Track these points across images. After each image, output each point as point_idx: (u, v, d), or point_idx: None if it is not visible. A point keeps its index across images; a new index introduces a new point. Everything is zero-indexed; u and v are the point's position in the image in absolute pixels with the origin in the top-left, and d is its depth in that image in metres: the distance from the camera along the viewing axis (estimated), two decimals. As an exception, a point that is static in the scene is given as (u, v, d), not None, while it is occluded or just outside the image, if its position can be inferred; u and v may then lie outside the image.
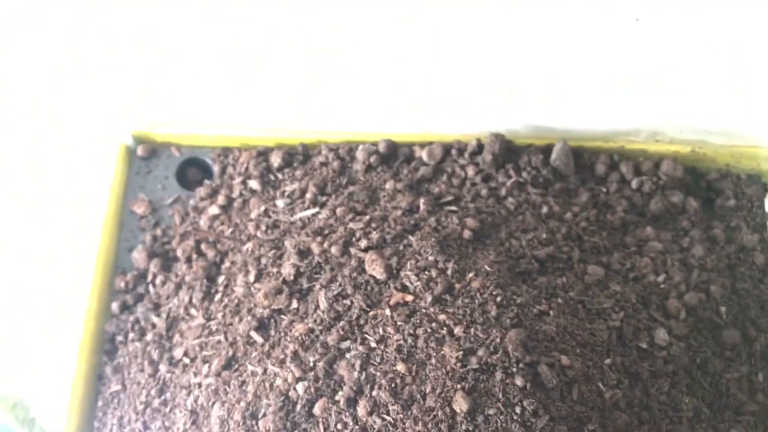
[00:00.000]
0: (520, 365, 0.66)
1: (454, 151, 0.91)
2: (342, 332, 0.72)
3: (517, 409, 0.65)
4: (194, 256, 0.89)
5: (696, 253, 0.84)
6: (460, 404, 0.64)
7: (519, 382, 0.66)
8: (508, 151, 0.90)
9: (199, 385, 0.77)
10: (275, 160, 0.93)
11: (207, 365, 0.78)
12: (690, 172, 0.94)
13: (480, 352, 0.67)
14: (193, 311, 0.84)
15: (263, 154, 0.95)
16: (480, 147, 0.90)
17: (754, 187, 0.94)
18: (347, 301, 0.74)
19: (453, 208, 0.83)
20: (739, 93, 0.79)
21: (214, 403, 0.75)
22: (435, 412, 0.65)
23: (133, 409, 0.82)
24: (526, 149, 0.91)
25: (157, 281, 0.89)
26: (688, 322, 0.78)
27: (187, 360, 0.81)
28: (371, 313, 0.72)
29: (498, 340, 0.68)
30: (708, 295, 0.81)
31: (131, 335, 0.87)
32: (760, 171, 0.94)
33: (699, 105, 0.85)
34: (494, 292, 0.71)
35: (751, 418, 0.78)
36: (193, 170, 0.99)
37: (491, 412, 0.64)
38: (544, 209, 0.84)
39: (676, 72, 0.76)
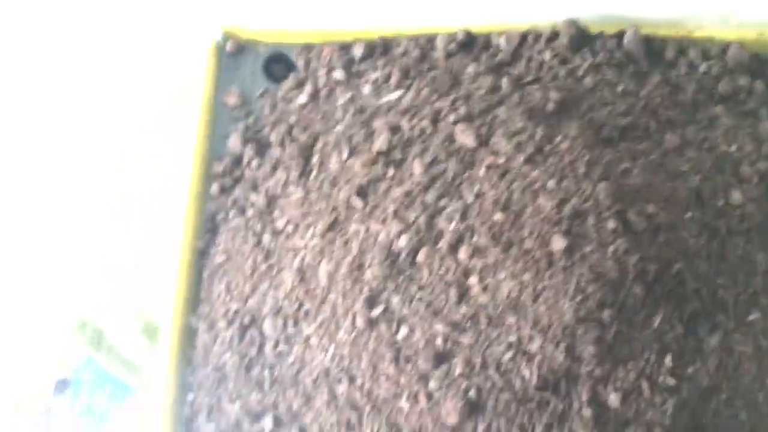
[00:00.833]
0: (611, 211, 0.72)
1: (530, 38, 0.95)
2: (439, 192, 0.78)
3: (611, 248, 0.71)
4: (287, 140, 0.95)
5: (764, 128, 0.89)
6: (558, 243, 0.70)
7: (611, 225, 0.71)
8: (582, 37, 0.94)
9: (305, 247, 0.84)
10: (357, 51, 0.99)
11: (310, 230, 0.84)
12: (755, 59, 0.98)
13: (573, 201, 0.73)
14: (291, 188, 0.90)
15: (345, 47, 1.01)
16: (555, 34, 0.95)
17: (817, 71, 0.98)
18: (441, 166, 0.80)
19: (534, 86, 0.88)
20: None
21: (320, 261, 0.82)
22: (533, 253, 0.71)
23: (241, 274, 0.89)
24: (599, 36, 0.95)
25: (253, 164, 0.96)
26: (760, 187, 0.83)
27: (290, 228, 0.87)
28: (465, 175, 0.78)
29: (589, 191, 0.73)
30: (777, 164, 0.86)
31: (232, 213, 0.94)
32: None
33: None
34: (582, 152, 0.77)
35: (818, 276, 0.83)
36: (278, 66, 1.04)
37: (587, 249, 0.70)
38: (620, 87, 0.88)
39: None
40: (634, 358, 0.72)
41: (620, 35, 0.95)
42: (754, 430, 0.79)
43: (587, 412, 0.72)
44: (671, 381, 0.73)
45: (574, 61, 0.92)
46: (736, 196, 0.81)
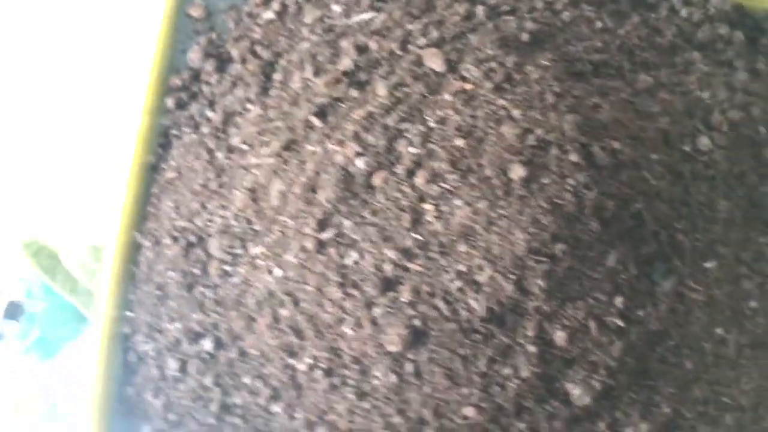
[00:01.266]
0: (575, 144, 0.69)
1: (509, -32, 0.91)
2: (402, 114, 0.75)
3: (570, 181, 0.68)
4: (249, 57, 0.90)
5: (739, 78, 0.87)
6: (517, 172, 0.68)
7: (573, 157, 0.69)
8: (563, -29, 0.90)
9: (258, 165, 0.80)
10: (330, -30, 0.94)
11: (266, 148, 0.81)
12: (737, 9, 0.95)
13: (537, 131, 0.70)
14: (249, 105, 0.87)
15: (318, -35, 0.96)
16: (535, -34, 0.91)
17: (799, 30, 0.96)
18: (406, 90, 0.76)
19: (510, 17, 0.84)
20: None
21: (273, 181, 0.78)
22: (492, 180, 0.69)
23: (190, 191, 0.85)
24: (580, -28, 0.91)
25: (212, 80, 0.92)
26: (729, 136, 0.81)
27: (245, 146, 0.84)
28: (430, 99, 0.75)
29: (555, 122, 0.71)
30: (749, 115, 0.84)
31: (186, 129, 0.90)
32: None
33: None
34: (551, 83, 0.74)
35: (779, 231, 0.82)
36: (246, -20, 0.99)
37: (546, 181, 0.68)
38: (598, 24, 0.85)
39: None
40: (584, 296, 0.70)
41: (601, -28, 0.92)
42: (699, 379, 0.78)
43: (532, 348, 0.71)
44: (620, 322, 0.71)
45: (552, -5, 0.89)
46: (704, 142, 0.79)
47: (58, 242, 1.10)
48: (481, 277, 0.69)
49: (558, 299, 0.70)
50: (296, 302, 0.76)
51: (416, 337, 0.72)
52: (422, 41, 0.80)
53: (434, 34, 0.81)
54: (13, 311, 1.19)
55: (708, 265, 0.76)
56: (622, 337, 0.72)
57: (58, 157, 1.10)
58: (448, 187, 0.70)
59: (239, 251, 0.80)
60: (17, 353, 1.16)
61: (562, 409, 0.73)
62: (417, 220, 0.71)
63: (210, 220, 0.83)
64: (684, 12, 0.92)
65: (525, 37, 0.80)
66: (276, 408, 0.79)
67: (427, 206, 0.71)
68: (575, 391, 0.73)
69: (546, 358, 0.72)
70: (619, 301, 0.71)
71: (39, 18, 1.09)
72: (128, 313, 0.88)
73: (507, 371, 0.72)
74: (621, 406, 0.75)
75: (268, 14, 0.94)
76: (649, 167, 0.73)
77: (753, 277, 0.80)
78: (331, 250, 0.74)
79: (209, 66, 0.93)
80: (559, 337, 0.71)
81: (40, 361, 1.13)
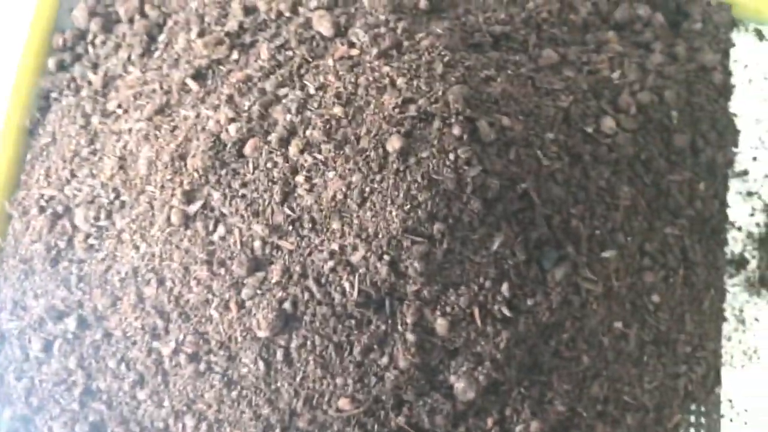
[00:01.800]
0: (459, 117, 0.64)
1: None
2: (281, 79, 0.69)
3: (451, 156, 0.63)
4: (137, 17, 0.84)
5: (654, 60, 0.82)
6: (393, 144, 0.62)
7: (456, 131, 0.64)
8: (473, -62, 0.85)
9: (130, 130, 0.74)
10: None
11: (139, 112, 0.74)
12: (660, -10, 0.91)
13: (420, 102, 0.65)
14: (130, 68, 0.80)
15: None
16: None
17: (722, 14, 0.92)
18: (290, 53, 0.71)
19: (411, -15, 0.79)
20: None
21: (142, 147, 0.72)
22: (368, 153, 0.63)
23: (61, 158, 0.79)
24: (494, -58, 0.86)
25: (97, 41, 0.85)
26: (638, 119, 0.76)
27: (120, 111, 0.78)
28: (313, 64, 0.69)
29: (440, 93, 0.65)
30: (661, 99, 0.79)
31: (66, 92, 0.84)
32: (732, 0, 0.91)
33: None
34: (442, 53, 0.68)
35: (687, 222, 0.78)
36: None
37: (424, 155, 0.63)
38: (505, -4, 0.80)
39: None
40: (466, 282, 0.65)
41: (517, -58, 0.87)
42: (597, 376, 0.73)
43: (411, 336, 0.66)
44: (506, 311, 0.66)
45: (460, -36, 0.83)
46: (609, 124, 0.74)
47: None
48: (355, 258, 0.64)
49: (438, 284, 0.65)
50: (161, 281, 0.70)
51: (286, 321, 0.66)
52: (313, 3, 0.75)
53: (326, -3, 0.75)
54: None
55: (606, 254, 0.72)
56: (509, 327, 0.67)
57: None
58: (321, 158, 0.64)
59: (105, 223, 0.74)
60: None
61: (445, 403, 0.68)
62: (288, 194, 0.65)
63: (78, 189, 0.76)
64: (602, -10, 0.87)
65: (423, 4, 0.75)
66: (141, 395, 0.73)
67: (299, 179, 0.65)
68: (459, 385, 0.67)
69: (426, 348, 0.66)
70: (505, 288, 0.66)
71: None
72: (-7, 290, 0.81)
73: (384, 361, 0.66)
74: (510, 402, 0.70)
75: (161, -27, 0.87)
76: (542, 147, 0.68)
77: (656, 270, 0.76)
78: (198, 224, 0.68)
79: (95, 26, 0.86)
80: (440, 325, 0.66)
81: None
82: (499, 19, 0.77)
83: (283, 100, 0.68)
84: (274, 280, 0.65)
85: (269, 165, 0.66)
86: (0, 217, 0.82)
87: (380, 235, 0.63)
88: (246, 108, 0.68)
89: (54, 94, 0.85)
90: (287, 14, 0.75)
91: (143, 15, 0.85)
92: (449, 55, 0.68)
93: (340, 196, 0.63)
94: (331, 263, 0.64)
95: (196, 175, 0.68)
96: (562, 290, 0.69)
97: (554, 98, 0.73)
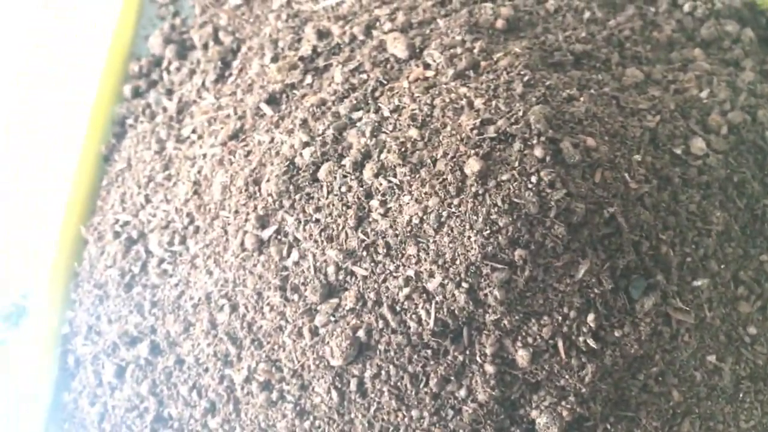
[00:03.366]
0: (542, 138, 0.61)
1: (495, -47, 0.84)
2: (355, 102, 0.68)
3: (533, 179, 0.60)
4: (211, 43, 0.85)
5: (746, 78, 0.78)
6: (472, 167, 0.60)
7: (538, 153, 0.61)
8: (553, -42, 0.83)
9: (204, 155, 0.74)
10: (304, -46, 0.88)
11: (213, 137, 0.74)
12: (748, 6, 0.86)
13: (499, 123, 0.62)
14: (204, 93, 0.81)
15: (292, -51, 0.90)
16: (524, -48, 0.83)
17: (815, 31, 0.87)
18: (364, 76, 0.69)
19: (489, 3, 0.77)
20: None
21: (217, 172, 0.72)
22: (445, 176, 0.61)
23: (136, 183, 0.79)
24: (573, -42, 0.84)
25: (172, 68, 0.86)
26: (729, 140, 0.72)
27: (194, 136, 0.78)
28: (388, 87, 0.68)
29: (520, 113, 0.63)
30: (754, 119, 0.75)
31: (141, 118, 0.84)
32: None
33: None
34: (522, 72, 0.66)
35: (785, 249, 0.73)
36: (218, -35, 0.94)
37: (504, 177, 0.60)
38: (587, 14, 0.78)
39: None
40: (549, 311, 0.62)
41: (597, -39, 0.84)
42: (688, 413, 0.69)
43: (490, 368, 0.62)
44: (593, 343, 0.62)
45: (539, -18, 0.81)
46: (699, 145, 0.70)
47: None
48: (431, 285, 0.61)
49: (519, 313, 0.61)
50: (234, 307, 0.69)
51: (360, 350, 0.64)
52: (388, 26, 0.73)
53: (401, 18, 0.74)
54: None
55: (698, 283, 0.67)
56: (595, 359, 0.63)
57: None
58: (396, 181, 0.62)
59: (179, 248, 0.74)
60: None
61: (526, 439, 0.64)
62: (363, 218, 0.64)
63: (153, 215, 0.77)
64: (687, 6, 0.84)
65: (500, 23, 0.72)
66: (213, 423, 0.71)
67: (373, 203, 0.63)
68: (541, 420, 0.64)
69: (506, 380, 0.63)
70: (590, 318, 0.62)
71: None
72: (69, 313, 0.81)
73: (462, 393, 0.63)
74: (595, 439, 0.66)
75: (235, 0, 0.88)
76: (629, 169, 0.65)
77: (752, 300, 0.71)
78: (272, 249, 0.67)
79: (170, 53, 0.87)
80: (522, 356, 0.62)
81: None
82: (580, 38, 0.74)
83: (358, 124, 0.66)
84: (348, 307, 0.63)
85: (343, 189, 0.64)
86: (76, 242, 0.83)
87: (458, 262, 0.60)
88: (320, 132, 0.67)
89: (129, 121, 0.86)
90: (361, 37, 0.74)
91: (217, 41, 0.85)
92: (529, 74, 0.66)
93: (416, 221, 0.61)
94: (406, 290, 0.62)
95: (270, 199, 0.67)
96: (651, 321, 0.65)
97: (640, 118, 0.69)
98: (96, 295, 0.79)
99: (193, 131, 0.78)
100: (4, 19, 0.95)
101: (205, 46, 0.85)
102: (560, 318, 0.62)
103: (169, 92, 0.85)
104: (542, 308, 0.62)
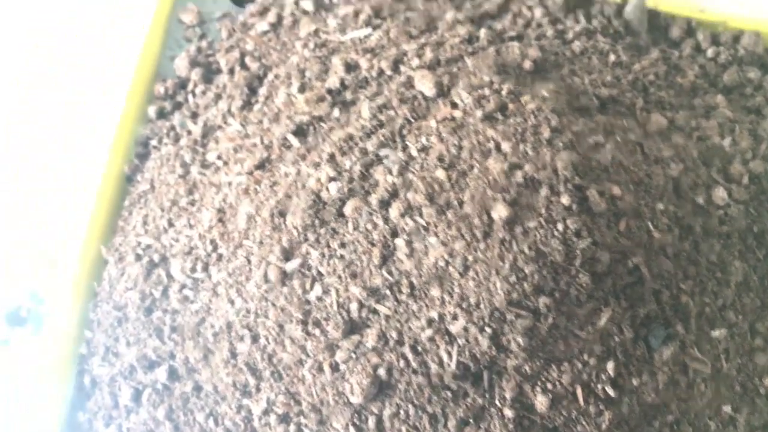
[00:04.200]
0: (569, 185, 0.62)
1: (522, -8, 0.85)
2: (382, 139, 0.68)
3: (560, 226, 0.61)
4: (237, 68, 0.85)
5: (767, 127, 0.78)
6: (500, 212, 0.61)
7: (565, 200, 0.61)
8: (580, -1, 0.84)
9: (230, 184, 0.75)
10: (331, -17, 0.89)
11: (239, 165, 0.75)
12: (771, 52, 0.87)
13: (527, 168, 0.63)
14: (230, 119, 0.81)
15: (320, -23, 0.91)
16: (551, -11, 0.84)
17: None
18: (391, 112, 0.70)
19: (515, 43, 0.78)
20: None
21: (242, 202, 0.72)
22: (471, 219, 0.61)
23: (159, 207, 0.79)
24: (598, 0, 0.84)
25: (197, 91, 0.87)
26: (750, 189, 0.73)
27: (219, 162, 0.78)
28: (415, 125, 0.68)
29: (548, 158, 0.63)
30: (775, 168, 0.75)
31: (165, 140, 0.85)
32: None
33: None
34: (549, 116, 0.67)
35: (803, 300, 0.73)
36: (244, -11, 0.94)
37: (531, 224, 0.61)
38: (612, 57, 0.78)
39: None
40: (570, 358, 0.62)
41: (622, 3, 0.85)
42: (702, 462, 0.69)
43: (509, 412, 0.63)
44: (611, 391, 0.63)
45: (565, 23, 0.82)
46: (720, 195, 0.71)
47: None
48: (455, 328, 0.62)
49: (540, 359, 0.62)
50: (255, 338, 0.69)
51: (380, 389, 0.64)
52: (416, 62, 0.74)
53: (429, 55, 0.74)
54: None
55: (716, 333, 0.68)
56: (613, 407, 0.64)
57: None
58: (422, 222, 0.63)
59: (201, 275, 0.74)
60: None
61: (542, 483, 0.65)
62: (387, 257, 0.64)
63: (176, 239, 0.77)
64: (710, 52, 0.85)
65: (528, 65, 0.73)
66: (229, 453, 0.72)
67: (399, 242, 0.64)
68: (556, 464, 0.64)
69: (524, 425, 0.64)
70: (610, 366, 0.63)
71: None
72: (87, 333, 0.82)
73: (480, 435, 0.63)
74: (610, 485, 0.66)
75: (263, 25, 0.89)
76: (653, 218, 0.65)
77: (769, 351, 0.71)
78: (295, 283, 0.67)
79: (196, 76, 0.88)
80: (541, 402, 0.63)
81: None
82: (606, 82, 0.75)
83: (384, 161, 0.67)
84: (369, 345, 0.64)
85: (369, 226, 0.65)
86: (96, 262, 0.84)
87: (482, 306, 0.61)
88: (347, 167, 0.67)
89: (153, 142, 0.87)
90: (389, 72, 0.74)
91: (244, 67, 0.86)
92: (556, 119, 0.66)
93: (441, 263, 0.62)
94: (429, 332, 0.62)
95: (295, 232, 0.67)
96: (669, 370, 0.65)
97: (664, 166, 0.70)
98: (115, 317, 0.79)
99: (219, 157, 0.79)
100: (32, 36, 0.96)
101: (232, 71, 0.86)
102: (580, 365, 0.63)
103: (194, 115, 0.85)
104: (563, 355, 0.62)
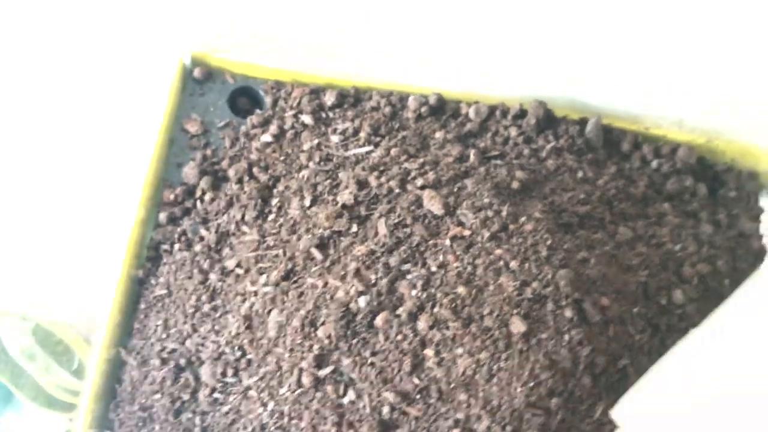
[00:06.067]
0: (569, 300, 0.74)
1: (498, 113, 0.97)
2: (403, 255, 0.78)
3: (566, 337, 0.72)
4: (246, 178, 0.92)
5: (705, 231, 0.94)
6: (518, 326, 0.71)
7: (568, 313, 0.73)
8: (548, 119, 0.97)
9: (256, 293, 0.81)
10: (329, 98, 0.98)
11: (264, 276, 0.82)
12: (700, 161, 1.04)
13: (534, 285, 0.74)
14: (245, 228, 0.88)
15: (315, 92, 1.00)
16: (523, 111, 0.97)
17: (752, 183, 1.05)
18: (407, 230, 0.80)
19: (499, 162, 0.90)
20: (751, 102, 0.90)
21: (271, 310, 0.80)
22: (492, 332, 0.72)
23: (181, 312, 0.85)
24: (563, 120, 0.98)
25: (206, 198, 0.93)
26: (699, 288, 0.87)
27: (240, 270, 0.85)
28: (431, 242, 0.78)
29: (549, 276, 0.75)
30: (715, 268, 0.90)
31: (177, 245, 0.91)
32: (758, 170, 1.05)
33: (719, 101, 0.95)
34: (545, 236, 0.78)
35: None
36: (244, 99, 1.02)
37: (543, 336, 0.72)
38: (580, 174, 0.92)
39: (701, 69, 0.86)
40: (572, 447, 0.73)
41: (583, 122, 0.99)
42: None
43: (524, 495, 0.73)
44: (607, 472, 0.74)
45: (537, 142, 0.95)
46: (678, 296, 0.85)
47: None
48: (479, 427, 0.71)
49: (549, 449, 0.73)
50: (289, 437, 0.76)
51: (412, 486, 0.73)
52: (420, 182, 0.84)
53: (431, 175, 0.85)
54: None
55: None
56: (609, 484, 0.75)
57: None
58: (450, 334, 0.72)
59: (231, 379, 0.80)
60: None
61: None
62: (418, 365, 0.73)
63: (202, 345, 0.83)
64: (654, 163, 0.99)
65: (516, 185, 0.85)
66: None
67: (428, 352, 0.73)
68: None
69: (534, 504, 0.74)
70: (605, 449, 0.74)
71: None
72: (105, 432, 0.86)
73: None
74: None
75: (266, 137, 0.96)
76: (632, 321, 0.78)
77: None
78: (328, 388, 0.75)
79: (204, 183, 0.94)
80: (550, 489, 0.73)
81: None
82: (580, 199, 0.88)
83: (408, 276, 0.76)
84: (401, 443, 0.72)
85: (399, 338, 0.74)
86: (112, 364, 0.88)
87: (503, 407, 0.71)
88: (373, 281, 0.76)
89: (165, 246, 0.92)
90: (397, 190, 0.84)
91: (253, 177, 0.93)
92: (550, 238, 0.78)
93: (469, 372, 0.72)
94: (456, 431, 0.72)
95: (326, 341, 0.75)
96: (648, 448, 0.77)
97: (634, 273, 0.83)
98: (140, 417, 0.84)
99: (238, 265, 0.85)
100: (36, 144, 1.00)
101: (240, 181, 0.93)
102: (581, 451, 0.74)
103: (205, 221, 0.92)
104: (568, 444, 0.73)
